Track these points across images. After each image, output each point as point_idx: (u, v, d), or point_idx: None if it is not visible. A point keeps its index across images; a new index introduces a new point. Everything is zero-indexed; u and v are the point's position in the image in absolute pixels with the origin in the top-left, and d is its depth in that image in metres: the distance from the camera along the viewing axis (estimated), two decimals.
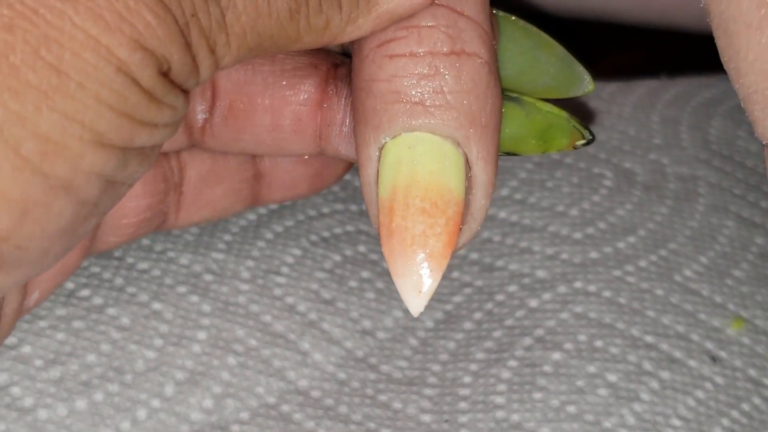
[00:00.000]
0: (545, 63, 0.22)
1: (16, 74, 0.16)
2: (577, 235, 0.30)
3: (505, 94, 0.22)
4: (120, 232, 0.24)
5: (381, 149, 0.21)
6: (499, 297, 0.28)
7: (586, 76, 0.23)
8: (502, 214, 0.31)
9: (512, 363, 0.26)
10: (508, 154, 0.23)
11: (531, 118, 0.22)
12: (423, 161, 0.21)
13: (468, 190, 0.21)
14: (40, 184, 0.17)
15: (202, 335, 0.25)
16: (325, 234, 0.29)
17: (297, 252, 0.28)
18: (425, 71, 0.20)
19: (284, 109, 0.23)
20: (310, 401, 0.25)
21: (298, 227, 0.29)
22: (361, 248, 0.29)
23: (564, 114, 0.23)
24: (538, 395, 0.25)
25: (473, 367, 0.26)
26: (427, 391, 0.26)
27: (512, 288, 0.28)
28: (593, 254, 0.29)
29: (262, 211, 0.29)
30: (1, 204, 0.16)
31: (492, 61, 0.21)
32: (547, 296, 0.28)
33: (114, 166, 0.18)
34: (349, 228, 0.29)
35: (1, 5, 0.16)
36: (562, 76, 0.23)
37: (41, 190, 0.17)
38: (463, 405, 0.25)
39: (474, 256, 0.30)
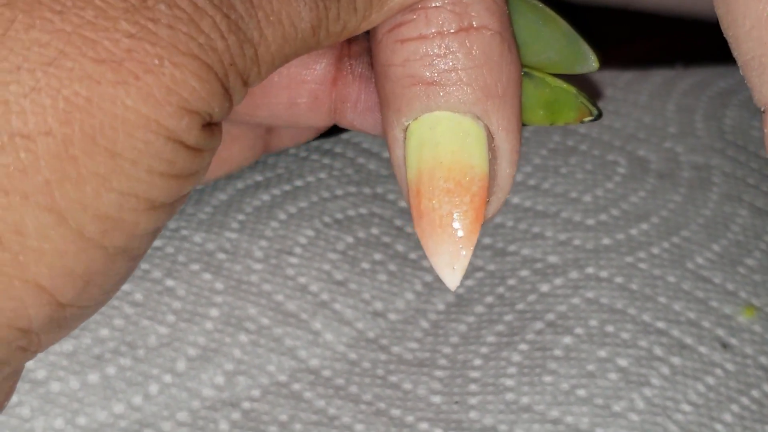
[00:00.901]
0: (550, 37, 0.22)
1: (75, 164, 0.17)
2: (590, 222, 0.30)
3: None
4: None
5: (405, 131, 0.21)
6: (511, 281, 0.28)
7: (591, 54, 0.23)
8: (516, 200, 0.31)
9: (523, 346, 0.26)
10: None
11: (539, 90, 0.23)
12: (444, 141, 0.21)
13: (492, 161, 0.21)
14: (101, 257, 0.17)
15: (214, 312, 0.25)
16: (339, 216, 0.29)
17: (310, 233, 0.28)
18: (436, 51, 0.21)
19: (300, 88, 0.23)
20: (320, 380, 0.25)
21: (311, 208, 0.29)
22: (374, 231, 0.29)
23: (573, 89, 0.23)
24: (548, 378, 0.25)
25: (484, 350, 0.26)
26: (438, 373, 0.26)
27: (524, 273, 0.29)
28: (606, 240, 0.29)
29: (276, 191, 0.29)
30: (66, 280, 0.17)
31: (504, 29, 0.21)
32: (558, 281, 0.28)
33: (166, 219, 0.18)
34: (363, 210, 0.29)
35: (57, 99, 0.16)
36: (567, 51, 0.23)
37: (102, 261, 0.17)
38: (473, 387, 0.25)
39: (486, 240, 0.30)
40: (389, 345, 0.26)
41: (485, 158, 0.21)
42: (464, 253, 0.21)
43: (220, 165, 0.26)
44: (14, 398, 0.22)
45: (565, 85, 0.23)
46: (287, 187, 0.29)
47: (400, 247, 0.29)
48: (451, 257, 0.21)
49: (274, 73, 0.24)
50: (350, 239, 0.28)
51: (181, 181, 0.18)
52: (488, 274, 0.29)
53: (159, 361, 0.24)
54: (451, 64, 0.20)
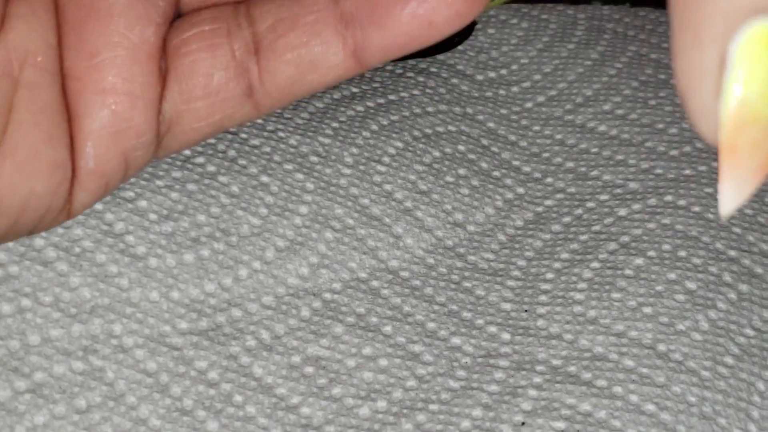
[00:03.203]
0: None
1: None
2: (674, 152, 0.31)
3: None
4: (196, 117, 0.23)
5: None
6: (590, 204, 0.29)
7: None
8: (602, 128, 0.32)
9: (595, 264, 0.27)
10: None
11: None
12: None
13: None
14: None
15: (303, 209, 0.27)
16: (428, 131, 0.30)
17: (399, 144, 0.29)
18: None
19: None
20: (398, 280, 0.26)
21: (402, 122, 0.30)
22: (461, 147, 0.30)
23: None
24: (616, 295, 0.26)
25: (557, 265, 0.27)
26: (510, 283, 0.27)
27: (604, 197, 0.29)
28: (687, 171, 0.30)
29: (370, 104, 0.30)
30: None
31: None
32: (636, 207, 0.29)
33: None
34: (451, 128, 0.30)
35: None
36: None
37: None
38: (543, 298, 0.26)
39: (570, 164, 0.30)
40: (466, 254, 0.28)
41: None
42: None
43: (285, 62, 0.22)
44: (114, 269, 0.24)
45: None
46: (381, 100, 0.30)
47: (484, 165, 0.30)
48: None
49: None
50: (437, 153, 0.29)
51: None
52: (568, 196, 0.30)
53: (250, 249, 0.26)
54: None
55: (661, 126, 0.32)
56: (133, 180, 0.26)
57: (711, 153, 0.31)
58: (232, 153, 0.27)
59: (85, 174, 0.21)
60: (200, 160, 0.27)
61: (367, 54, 0.23)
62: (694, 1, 0.16)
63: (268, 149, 0.28)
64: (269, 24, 0.23)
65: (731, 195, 0.17)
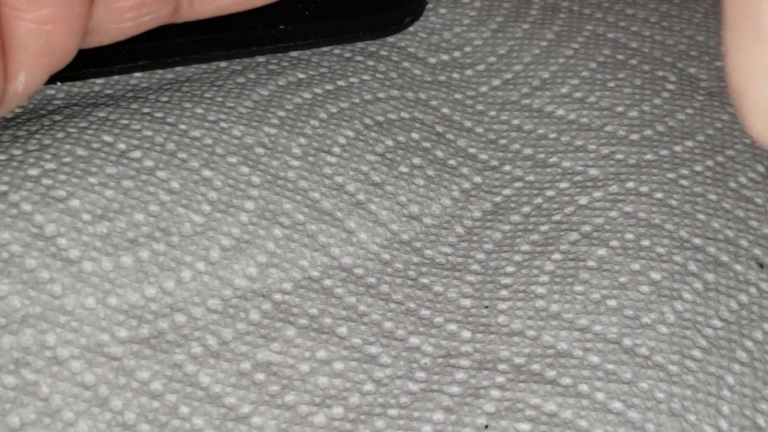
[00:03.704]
0: None
1: None
2: (634, 137, 0.30)
3: None
4: (119, 17, 0.23)
5: None
6: (550, 192, 0.28)
7: None
8: (560, 112, 0.30)
9: (557, 256, 0.26)
10: None
11: None
12: None
13: None
14: None
15: (250, 205, 0.25)
16: (380, 118, 0.29)
17: (350, 133, 0.28)
18: None
19: None
20: (352, 278, 0.25)
21: (352, 109, 0.29)
22: (415, 135, 0.29)
23: None
24: (579, 288, 0.25)
25: (517, 257, 0.26)
26: (469, 278, 0.26)
27: (563, 184, 0.28)
28: (649, 156, 0.29)
29: (318, 90, 0.29)
30: None
31: None
32: (597, 194, 0.28)
33: None
34: (404, 115, 0.29)
35: None
36: None
37: None
38: (504, 293, 0.25)
39: (528, 151, 0.29)
40: (422, 248, 0.26)
41: None
42: None
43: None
44: (45, 274, 0.22)
45: None
46: (330, 87, 0.29)
47: (439, 153, 0.28)
48: None
49: None
50: (390, 142, 0.28)
51: None
52: (527, 184, 0.28)
53: (192, 249, 0.24)
54: None
55: (620, 109, 0.30)
56: (63, 178, 0.24)
57: (672, 137, 0.30)
58: (171, 146, 0.26)
59: (12, 97, 0.22)
60: (137, 154, 0.25)
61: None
62: None
63: (209, 141, 0.26)
64: None
65: None
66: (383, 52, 0.31)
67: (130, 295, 0.23)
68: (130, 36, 0.23)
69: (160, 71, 0.28)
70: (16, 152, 0.24)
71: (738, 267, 0.26)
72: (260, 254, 0.25)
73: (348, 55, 0.30)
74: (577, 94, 0.31)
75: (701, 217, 0.27)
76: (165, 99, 0.27)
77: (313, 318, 0.24)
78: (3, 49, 0.21)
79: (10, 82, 0.21)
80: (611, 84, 0.31)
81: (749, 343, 0.24)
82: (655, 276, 0.26)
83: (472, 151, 0.29)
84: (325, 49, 0.30)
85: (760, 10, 0.15)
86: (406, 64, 0.31)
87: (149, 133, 0.26)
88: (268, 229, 0.25)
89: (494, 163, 0.29)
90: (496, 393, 0.23)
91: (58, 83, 0.27)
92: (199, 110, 0.27)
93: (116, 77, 0.28)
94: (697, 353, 0.24)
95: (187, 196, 0.25)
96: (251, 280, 0.24)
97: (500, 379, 0.23)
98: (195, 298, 0.24)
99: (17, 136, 0.25)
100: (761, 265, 0.26)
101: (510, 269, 0.26)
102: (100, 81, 0.27)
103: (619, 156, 0.29)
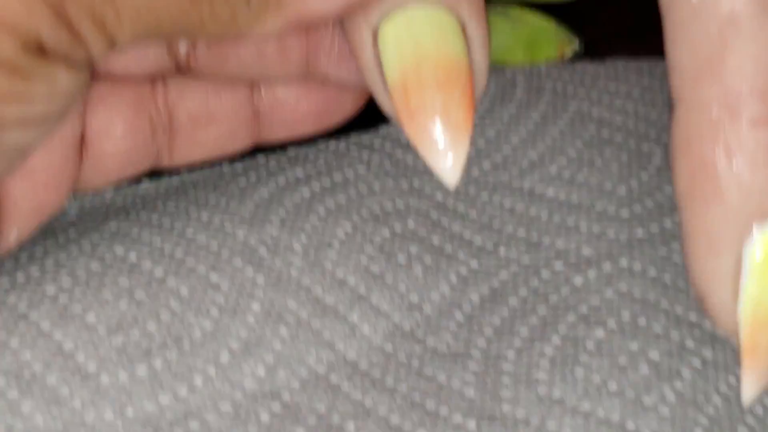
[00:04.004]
0: None
1: None
2: (624, 214, 0.31)
3: (492, 7, 0.22)
4: (104, 173, 0.24)
5: (374, 33, 0.21)
6: (545, 274, 0.29)
7: None
8: (550, 192, 0.31)
9: (556, 339, 0.27)
10: (496, 65, 0.23)
11: (517, 29, 0.22)
12: (424, 35, 0.20)
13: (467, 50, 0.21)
14: None
15: (256, 306, 0.26)
16: (376, 210, 0.30)
17: (348, 227, 0.29)
18: None
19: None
20: (357, 372, 0.26)
21: (350, 203, 0.29)
22: (411, 224, 0.29)
23: (551, 24, 0.23)
24: (580, 371, 0.26)
25: (517, 343, 0.27)
26: (472, 366, 0.26)
27: (558, 265, 0.29)
28: (639, 232, 0.30)
29: (316, 187, 0.30)
30: None
31: None
32: (592, 274, 0.29)
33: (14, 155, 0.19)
34: (400, 204, 0.30)
35: None
36: None
37: None
38: (506, 380, 0.26)
39: (521, 233, 0.30)
40: (424, 337, 0.27)
41: (465, 48, 0.21)
42: (463, 145, 0.21)
43: (198, 146, 0.25)
44: (66, 391, 0.23)
45: (543, 21, 0.23)
46: (327, 182, 0.30)
47: (435, 240, 0.29)
48: (449, 151, 0.21)
49: None
50: (387, 233, 0.29)
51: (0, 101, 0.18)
52: (522, 267, 0.29)
53: (203, 354, 0.25)
54: None
55: (609, 187, 0.31)
56: (79, 293, 0.25)
57: (661, 211, 0.31)
58: (179, 253, 0.26)
59: (3, 247, 0.23)
60: (147, 264, 0.26)
61: (267, 138, 0.26)
62: (705, 210, 0.17)
63: (215, 245, 0.27)
64: (188, 114, 0.25)
65: (753, 387, 0.19)
66: (376, 144, 0.32)
67: (146, 405, 0.24)
68: (111, 185, 0.26)
69: (166, 178, 0.29)
70: (34, 271, 0.25)
71: (735, 341, 0.27)
72: (268, 354, 0.25)
73: (343, 148, 0.31)
74: (566, 174, 0.32)
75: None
76: (172, 206, 0.28)
77: (321, 417, 0.25)
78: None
79: (2, 237, 0.23)
80: (598, 162, 0.32)
81: (750, 420, 0.25)
82: (653, 355, 0.26)
83: (467, 235, 0.30)
84: (320, 144, 0.31)
85: (711, 226, 0.17)
86: (398, 153, 0.32)
87: (158, 242, 0.27)
88: (274, 328, 0.26)
89: (489, 246, 0.30)
90: None
91: (71, 197, 0.28)
92: (205, 215, 0.28)
93: (125, 187, 0.29)
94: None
95: (196, 302, 0.25)
96: (260, 382, 0.25)
97: None
98: (207, 403, 0.24)
99: (34, 255, 0.25)
100: None
101: (511, 355, 0.27)
102: (109, 192, 0.28)
103: (611, 234, 0.30)
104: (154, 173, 0.28)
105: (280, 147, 0.30)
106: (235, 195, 0.28)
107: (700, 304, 0.18)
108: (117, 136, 0.24)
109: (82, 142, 0.24)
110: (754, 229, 0.18)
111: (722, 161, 0.18)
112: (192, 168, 0.29)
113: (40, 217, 0.24)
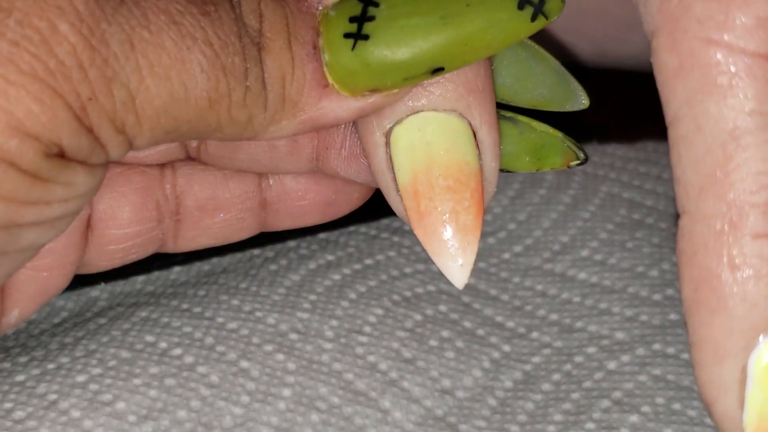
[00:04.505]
0: (541, 74, 0.23)
1: None
2: (657, 297, 0.30)
3: (501, 113, 0.23)
4: (108, 257, 0.24)
5: (387, 135, 0.21)
6: (578, 358, 0.29)
7: (581, 92, 0.23)
8: (582, 275, 0.31)
9: (590, 425, 0.27)
10: (502, 170, 0.23)
11: (525, 136, 0.23)
12: (436, 140, 0.21)
13: (478, 156, 0.21)
14: None
15: (286, 392, 0.26)
16: (407, 293, 0.30)
17: (379, 311, 0.29)
18: None
19: None
20: None
21: (380, 287, 0.29)
22: (442, 308, 0.29)
23: (559, 134, 0.23)
24: None
25: (551, 428, 0.27)
26: None
27: (591, 349, 0.29)
28: (672, 316, 0.30)
29: (347, 271, 0.30)
30: None
31: None
32: (625, 358, 0.28)
33: (28, 252, 0.19)
34: (431, 287, 0.30)
35: None
36: (558, 88, 0.23)
37: None
38: None
39: (554, 317, 0.30)
40: (457, 423, 0.27)
41: (475, 153, 0.21)
42: (471, 248, 0.21)
43: (203, 233, 0.25)
44: None
45: (551, 130, 0.23)
46: (357, 266, 0.30)
47: (467, 324, 0.29)
48: (457, 255, 0.21)
49: None
50: (418, 317, 0.29)
51: (15, 206, 0.18)
52: (555, 351, 0.29)
53: None
54: None
55: (641, 269, 0.31)
56: (110, 381, 0.25)
57: None
58: (209, 340, 0.26)
59: (4, 327, 0.23)
60: (178, 351, 0.26)
61: (273, 227, 0.26)
62: (711, 319, 0.18)
63: (246, 332, 0.27)
64: (195, 201, 0.25)
65: None
66: (407, 227, 0.32)
67: None
68: (116, 267, 0.25)
69: (197, 263, 0.29)
70: (65, 360, 0.25)
71: None
72: None
73: (374, 233, 0.31)
74: (598, 257, 0.32)
75: None
76: (203, 293, 0.28)
77: None
78: (2, 290, 0.22)
79: (4, 316, 0.23)
80: (629, 245, 0.32)
81: None
82: None
83: (499, 319, 0.30)
84: (351, 228, 0.31)
85: (716, 335, 0.18)
86: None
87: (189, 329, 0.27)
88: (306, 415, 0.26)
89: (522, 330, 0.30)
90: None
91: (102, 283, 0.28)
92: (235, 301, 0.28)
93: (156, 273, 0.29)
94: None
95: (226, 389, 0.25)
96: None
97: None
98: None
99: (65, 344, 0.26)
100: None
101: None
102: (141, 278, 0.29)
103: (644, 317, 0.30)
104: (188, 258, 0.28)
105: (310, 231, 0.31)
106: (267, 281, 0.29)
107: (707, 412, 0.19)
108: (123, 221, 0.24)
109: (88, 225, 0.24)
110: (761, 339, 0.18)
111: (726, 273, 0.18)
112: (223, 253, 0.29)
113: (43, 299, 0.24)
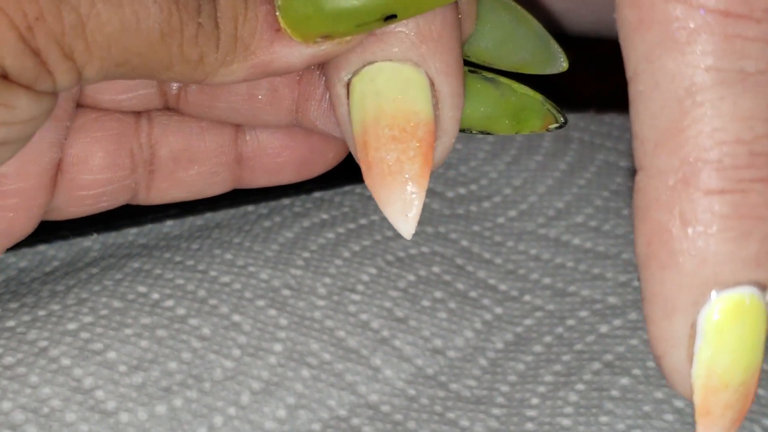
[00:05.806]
0: (523, 37, 0.23)
1: None
2: None
3: (482, 74, 0.23)
4: (78, 203, 0.24)
5: (347, 87, 0.21)
6: (570, 322, 0.29)
7: (561, 55, 0.23)
8: (576, 241, 0.31)
9: (580, 386, 0.27)
10: (482, 132, 0.23)
11: (505, 98, 0.23)
12: (385, 90, 0.21)
13: (435, 106, 0.21)
14: None
15: (278, 347, 0.26)
16: (401, 254, 0.30)
17: (372, 270, 0.29)
18: None
19: (260, 80, 0.23)
20: (379, 415, 0.26)
21: (374, 247, 0.29)
22: (435, 269, 0.29)
23: (539, 96, 0.23)
24: (604, 419, 0.26)
25: (541, 389, 0.27)
26: (495, 411, 0.26)
27: (583, 313, 0.29)
28: None
29: (341, 230, 0.30)
30: None
31: None
32: (617, 322, 0.28)
33: None
34: (425, 249, 0.30)
35: None
36: (539, 51, 0.23)
37: None
38: (529, 426, 0.26)
39: (547, 280, 0.30)
40: (447, 382, 0.27)
41: (429, 103, 0.21)
42: (416, 199, 0.21)
43: (176, 186, 0.25)
44: (85, 428, 0.23)
45: (531, 93, 0.23)
46: (351, 226, 0.30)
47: (460, 286, 0.29)
48: (403, 205, 0.21)
49: None
50: (412, 277, 0.29)
51: None
52: (547, 314, 0.29)
53: (224, 394, 0.25)
54: None
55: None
56: (100, 330, 0.25)
57: None
58: (202, 293, 0.26)
59: None
60: (170, 303, 0.26)
61: (247, 183, 0.26)
62: (662, 274, 0.18)
63: (239, 286, 0.27)
64: (170, 152, 0.24)
65: None
66: None
67: None
68: (86, 215, 0.25)
69: (190, 217, 0.29)
70: (55, 307, 0.25)
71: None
72: (289, 396, 0.25)
73: (368, 193, 0.31)
74: (592, 223, 0.32)
75: None
76: (196, 246, 0.28)
77: None
78: None
79: None
80: (625, 212, 0.32)
81: None
82: (678, 403, 0.26)
83: (492, 282, 0.30)
84: (346, 188, 0.31)
85: (666, 291, 0.18)
86: (425, 199, 0.32)
87: (181, 282, 0.27)
88: (296, 370, 0.26)
89: (514, 293, 0.30)
90: None
91: (94, 234, 0.28)
92: (229, 256, 0.28)
93: (149, 226, 0.29)
94: None
95: (217, 342, 0.25)
96: (281, 423, 0.25)
97: None
98: None
99: (56, 291, 0.26)
100: None
101: (535, 401, 0.26)
102: (134, 231, 0.29)
103: (636, 283, 0.30)
104: (181, 212, 0.28)
105: (305, 189, 0.30)
106: (260, 236, 0.29)
107: (657, 365, 0.19)
108: (95, 167, 0.24)
109: (58, 169, 0.23)
110: (709, 296, 0.18)
111: (677, 228, 0.18)
112: (217, 208, 0.29)
113: (8, 240, 0.23)
